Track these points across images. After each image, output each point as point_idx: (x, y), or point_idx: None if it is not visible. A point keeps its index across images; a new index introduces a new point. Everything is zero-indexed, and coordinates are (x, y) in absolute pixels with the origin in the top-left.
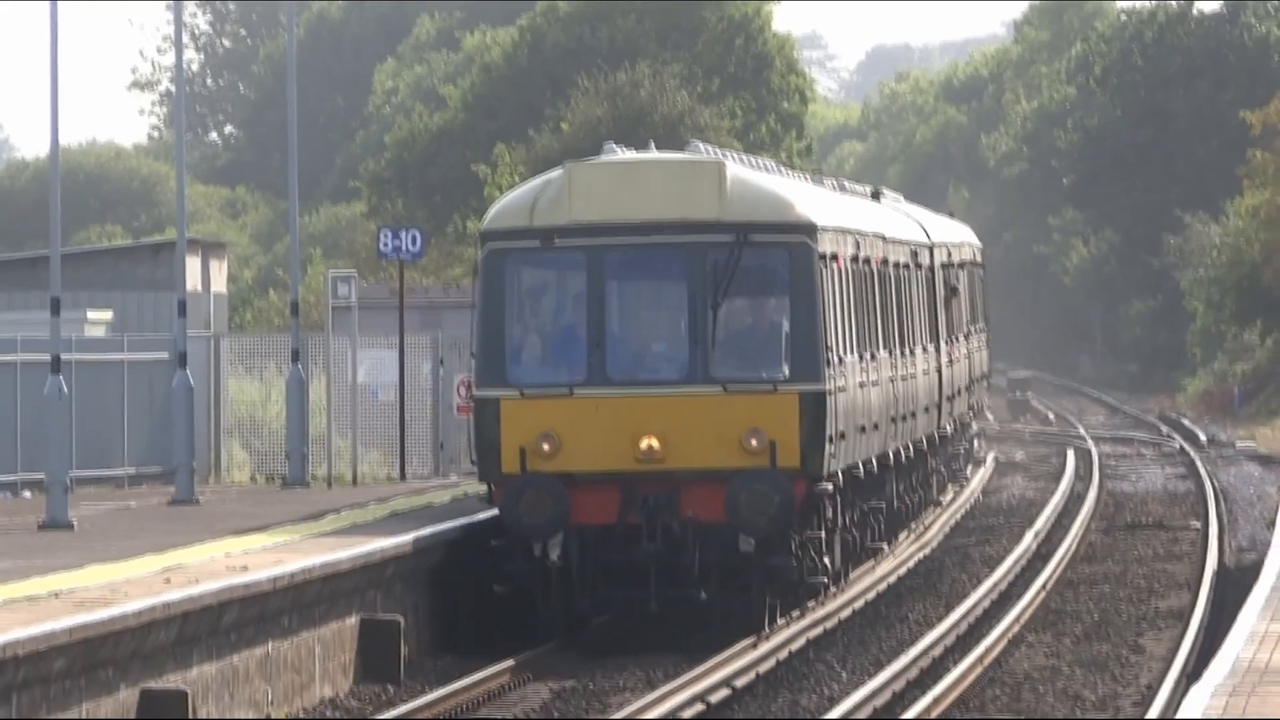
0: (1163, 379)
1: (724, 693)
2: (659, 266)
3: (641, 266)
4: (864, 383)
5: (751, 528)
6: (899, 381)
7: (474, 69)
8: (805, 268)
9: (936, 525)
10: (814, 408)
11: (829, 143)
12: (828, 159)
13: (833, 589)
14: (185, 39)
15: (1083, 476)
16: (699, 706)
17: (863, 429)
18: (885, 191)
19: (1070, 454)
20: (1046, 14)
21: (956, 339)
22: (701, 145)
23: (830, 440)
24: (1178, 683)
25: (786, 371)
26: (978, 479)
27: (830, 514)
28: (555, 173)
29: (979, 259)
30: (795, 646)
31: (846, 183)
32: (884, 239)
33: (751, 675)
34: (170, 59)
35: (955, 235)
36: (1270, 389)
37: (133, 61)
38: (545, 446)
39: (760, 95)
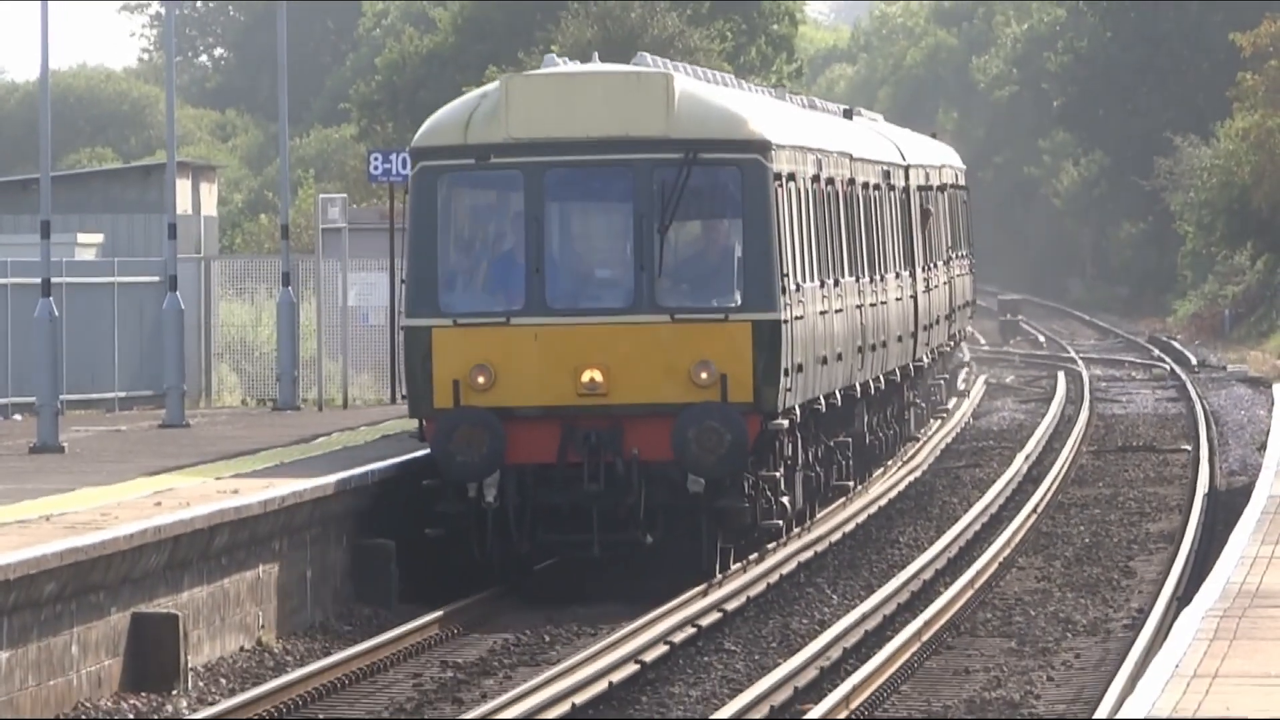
0: (1153, 302)
1: (689, 631)
2: (602, 186)
3: (583, 186)
4: (826, 311)
5: (700, 467)
6: (867, 309)
7: None
8: (759, 188)
9: (926, 448)
10: (768, 338)
11: (819, 66)
12: (818, 82)
13: (795, 530)
14: None
15: (1073, 399)
16: (662, 648)
17: (824, 360)
18: (861, 111)
19: (1061, 377)
20: None
21: (935, 265)
22: (649, 57)
23: (786, 373)
24: (1169, 606)
25: (738, 299)
26: (968, 402)
27: (789, 451)
28: (493, 86)
29: (962, 181)
30: (786, 570)
31: (817, 100)
32: (851, 158)
33: (742, 599)
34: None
35: (935, 157)
36: (1260, 311)
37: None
38: (480, 379)
39: (750, 18)
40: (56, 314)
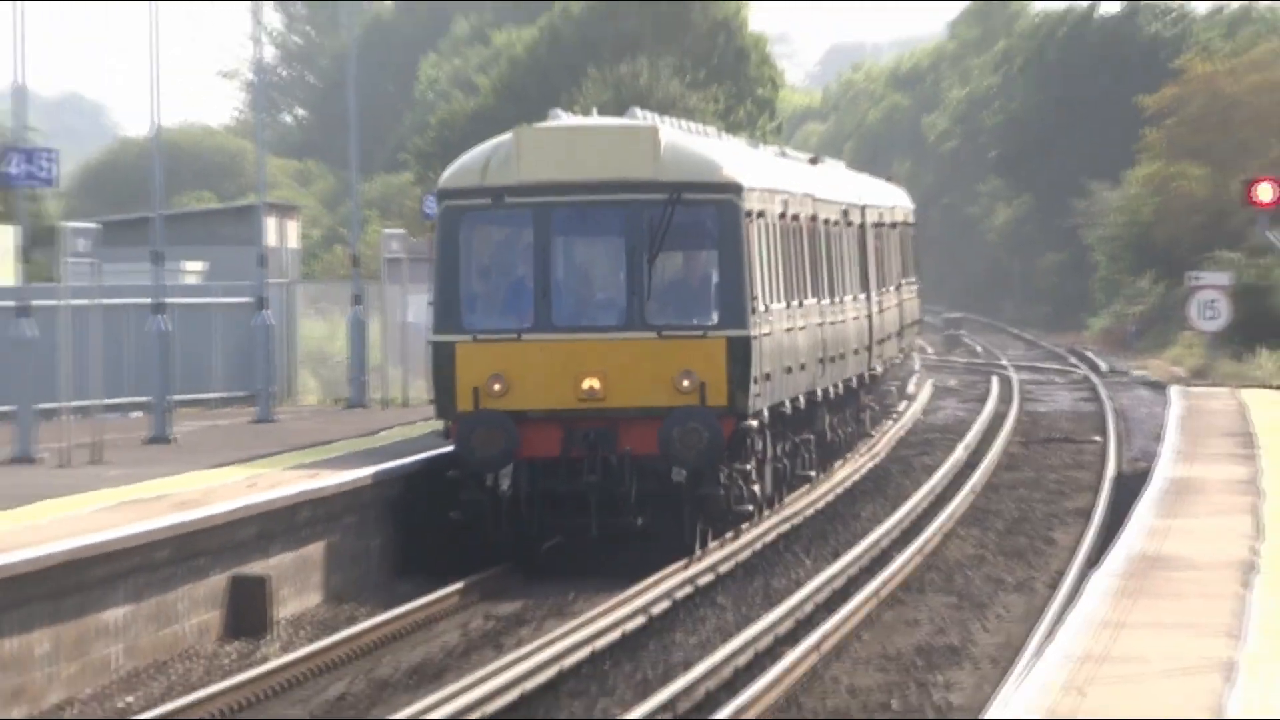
0: (1071, 319)
1: (688, 589)
2: (599, 222)
3: (583, 222)
4: (791, 328)
5: (683, 460)
6: (828, 326)
7: (502, 61)
8: (732, 224)
9: (884, 440)
10: (740, 351)
11: (796, 123)
12: (795, 136)
13: (767, 512)
14: (263, 37)
15: (1005, 399)
16: (665, 603)
17: (789, 370)
18: (826, 159)
19: (995, 381)
20: (976, 15)
21: (886, 289)
22: (639, 111)
23: (755, 381)
24: (1082, 569)
25: (715, 318)
26: (919, 403)
27: (760, 447)
28: (506, 136)
29: (911, 219)
30: (768, 539)
31: (788, 150)
32: (814, 198)
33: (732, 563)
34: (250, 53)
35: (888, 198)
36: (1159, 327)
37: (218, 55)
38: (496, 387)
39: (739, 83)
40: (166, 329)
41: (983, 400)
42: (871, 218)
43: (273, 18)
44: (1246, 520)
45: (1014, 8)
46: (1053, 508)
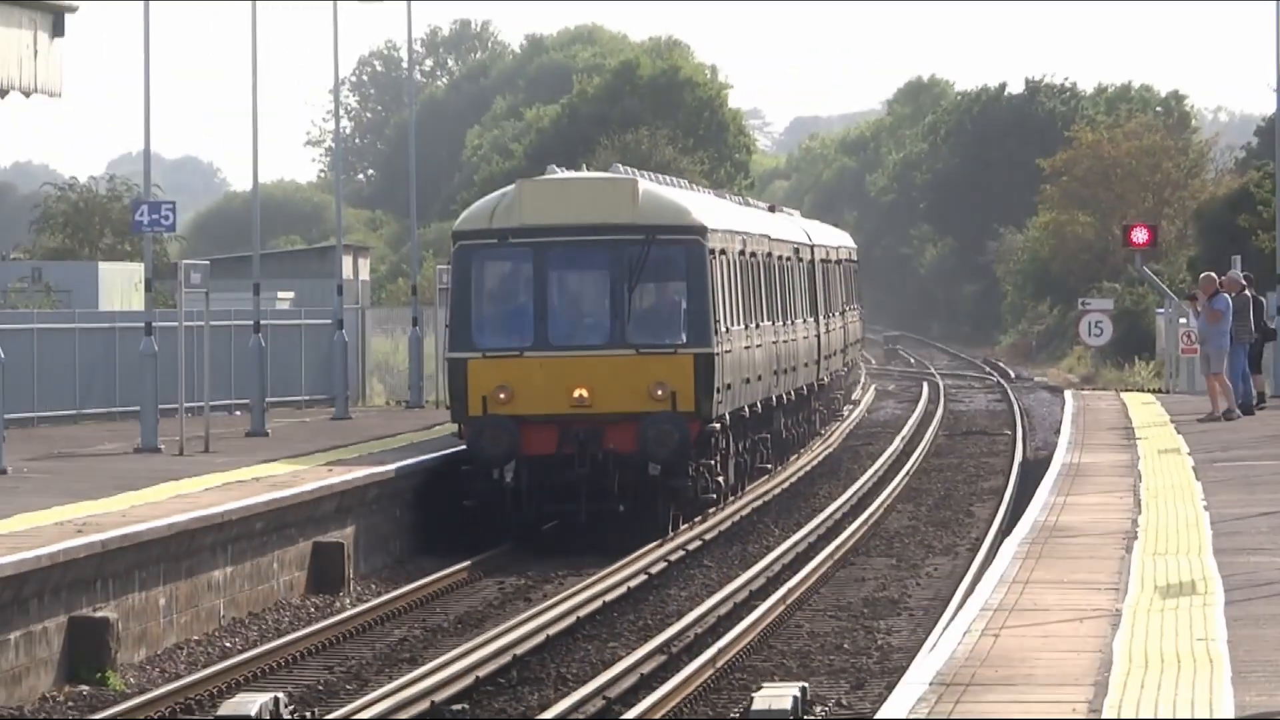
0: (985, 336)
1: (681, 553)
2: (588, 258)
3: (575, 258)
4: (749, 345)
5: (657, 457)
6: (781, 344)
7: (532, 132)
8: (698, 259)
9: (837, 433)
10: (705, 366)
11: (765, 181)
12: (764, 192)
13: (731, 498)
14: (341, 112)
15: (933, 400)
16: (663, 564)
17: (748, 380)
18: (783, 208)
19: (925, 386)
20: (908, 94)
21: (832, 314)
22: (621, 167)
23: (718, 390)
24: (996, 536)
25: (684, 338)
26: (864, 403)
27: (723, 445)
28: (511, 187)
29: (854, 258)
30: (744, 514)
31: (750, 199)
32: (769, 238)
33: (715, 532)
34: (331, 125)
35: (834, 239)
36: (1056, 342)
37: (305, 126)
38: (501, 395)
39: (720, 149)
40: (263, 344)
41: (915, 401)
42: (820, 255)
43: (349, 97)
44: (1128, 498)
45: (939, 88)
46: (972, 487)
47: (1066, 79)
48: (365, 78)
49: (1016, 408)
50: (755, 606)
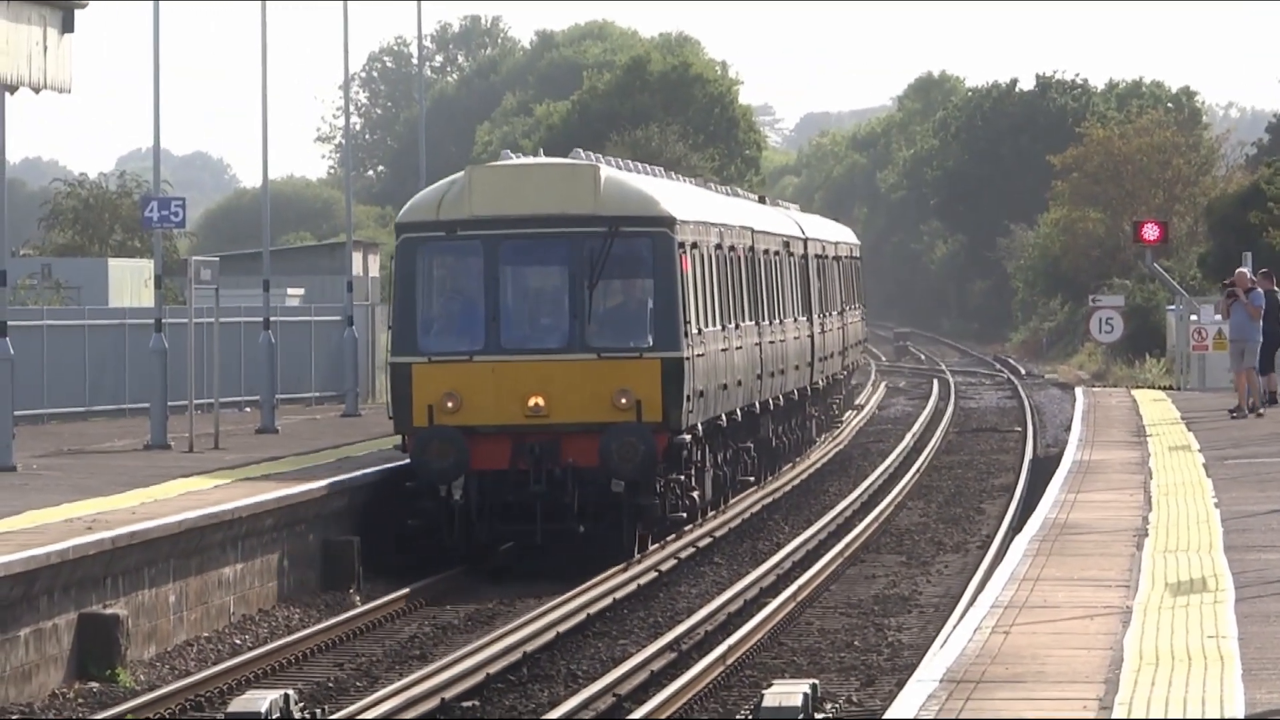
0: (995, 333)
1: (690, 550)
2: (544, 253)
3: (530, 253)
4: (726, 348)
5: (621, 472)
6: (766, 346)
7: (541, 129)
8: (666, 254)
9: (848, 429)
10: (673, 371)
11: (775, 177)
12: (774, 188)
13: (711, 514)
14: (351, 109)
15: (943, 397)
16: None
17: (725, 386)
18: (782, 202)
19: (935, 383)
20: (919, 90)
21: (829, 312)
22: (582, 151)
23: (689, 398)
24: (1006, 533)
25: (650, 341)
26: (873, 401)
27: (699, 457)
28: (460, 174)
29: (857, 255)
30: (754, 510)
31: (739, 190)
32: (753, 231)
33: (725, 529)
34: (340, 121)
35: (832, 234)
36: (1066, 339)
37: (315, 122)
38: (449, 404)
39: (730, 145)
40: (273, 341)
41: (926, 398)
42: (815, 250)
43: (360, 93)
44: (1139, 495)
45: (949, 85)
46: (983, 484)
47: (1077, 75)
48: (375, 74)
49: (1027, 404)
50: (766, 604)
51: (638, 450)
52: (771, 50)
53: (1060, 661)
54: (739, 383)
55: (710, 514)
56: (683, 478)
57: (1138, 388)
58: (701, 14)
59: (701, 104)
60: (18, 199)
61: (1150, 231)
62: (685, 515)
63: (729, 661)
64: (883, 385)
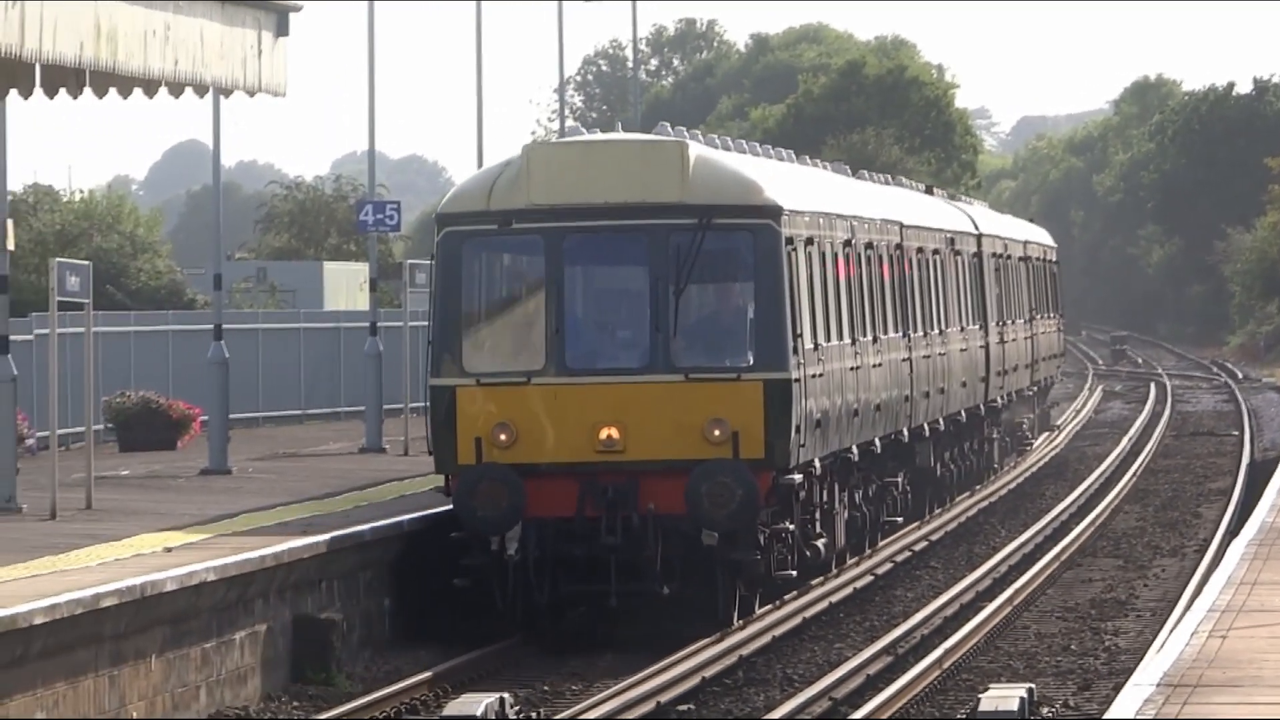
0: (1212, 336)
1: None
2: (619, 250)
3: (601, 250)
4: (858, 365)
5: (713, 521)
6: (919, 360)
7: (757, 133)
8: (771, 252)
9: (1063, 435)
10: (779, 396)
11: (991, 181)
12: (990, 193)
13: (850, 560)
14: (567, 113)
15: (1160, 401)
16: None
17: (856, 412)
18: (964, 197)
19: (1152, 386)
20: (1135, 94)
21: (1012, 320)
22: (668, 126)
23: (799, 429)
24: (1223, 538)
25: (750, 359)
26: (1091, 403)
27: (823, 498)
28: (514, 154)
29: (1052, 257)
30: (970, 514)
31: (904, 180)
32: (903, 225)
33: (942, 533)
34: (556, 125)
35: (1019, 232)
36: None
37: (530, 125)
38: (502, 437)
39: (946, 149)
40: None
41: (1142, 402)
42: (992, 248)
43: (574, 96)
44: None
45: (1165, 89)
46: (1200, 488)
47: None
48: (590, 77)
49: (1244, 408)
50: (981, 608)
51: (734, 494)
52: (988, 53)
53: (1278, 666)
54: (877, 406)
55: (851, 560)
56: (792, 527)
57: None
58: (917, 16)
59: (918, 107)
60: (233, 202)
61: None
62: (795, 573)
63: (945, 665)
64: (1099, 389)
